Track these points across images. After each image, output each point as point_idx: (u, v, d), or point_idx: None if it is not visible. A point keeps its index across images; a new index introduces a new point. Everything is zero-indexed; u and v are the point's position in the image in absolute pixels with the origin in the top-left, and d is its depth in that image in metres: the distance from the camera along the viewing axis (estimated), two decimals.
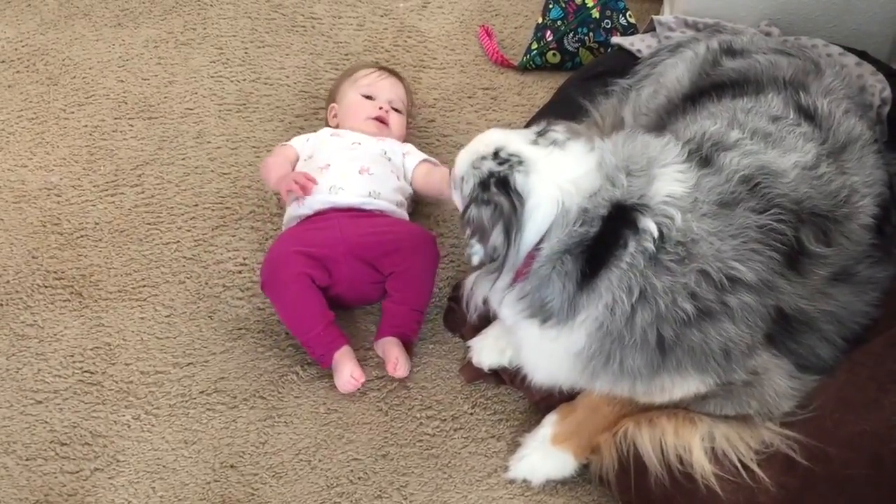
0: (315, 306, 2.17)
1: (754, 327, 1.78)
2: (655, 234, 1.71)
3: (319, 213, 2.31)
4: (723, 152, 1.84)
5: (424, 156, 2.47)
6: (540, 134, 1.82)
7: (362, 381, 2.13)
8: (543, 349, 1.85)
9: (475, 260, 1.80)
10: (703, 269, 1.72)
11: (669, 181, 1.76)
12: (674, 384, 1.82)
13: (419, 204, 2.50)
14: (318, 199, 2.31)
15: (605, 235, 1.73)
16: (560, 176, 1.75)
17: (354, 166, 2.35)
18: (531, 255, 1.76)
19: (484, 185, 1.78)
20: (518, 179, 1.75)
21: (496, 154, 1.80)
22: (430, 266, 2.25)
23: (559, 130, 1.83)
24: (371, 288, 2.26)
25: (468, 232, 1.80)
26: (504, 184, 1.76)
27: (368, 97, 2.53)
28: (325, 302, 2.19)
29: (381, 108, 2.51)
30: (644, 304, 1.72)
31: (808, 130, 1.94)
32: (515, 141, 1.82)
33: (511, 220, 1.74)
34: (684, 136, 1.91)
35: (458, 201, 1.94)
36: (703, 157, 1.84)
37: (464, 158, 1.87)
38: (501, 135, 1.86)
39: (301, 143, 2.47)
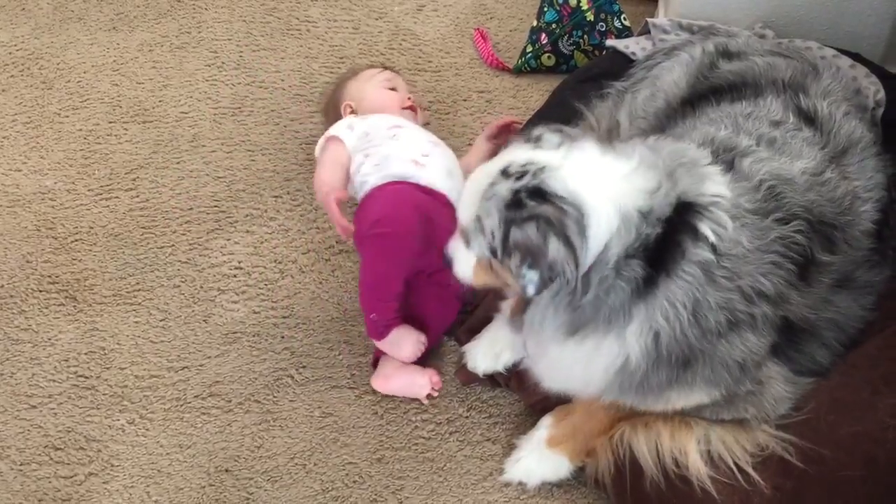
0: (399, 287, 2.07)
1: (768, 337, 1.76)
2: (713, 239, 1.62)
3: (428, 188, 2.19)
4: (741, 158, 1.78)
5: None
6: (536, 141, 1.69)
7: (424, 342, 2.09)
8: (575, 362, 1.74)
9: (531, 290, 1.60)
10: (740, 285, 1.67)
11: (716, 182, 1.69)
12: (679, 398, 1.80)
13: None
14: (398, 173, 2.18)
15: (664, 239, 1.61)
16: (608, 178, 1.60)
17: (425, 136, 2.31)
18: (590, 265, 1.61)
19: (515, 203, 1.59)
20: (554, 184, 1.58)
21: (505, 172, 1.62)
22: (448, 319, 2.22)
23: (552, 131, 1.70)
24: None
25: (516, 262, 1.60)
26: (539, 193, 1.58)
27: (392, 89, 2.51)
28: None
29: (409, 98, 2.49)
30: (695, 319, 1.65)
31: (809, 135, 1.90)
32: (518, 153, 1.65)
33: (565, 225, 1.56)
34: (694, 140, 1.85)
35: (463, 267, 1.78)
36: (725, 161, 1.76)
37: (467, 202, 1.68)
38: (496, 160, 1.68)
39: (347, 135, 2.32)
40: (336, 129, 2.34)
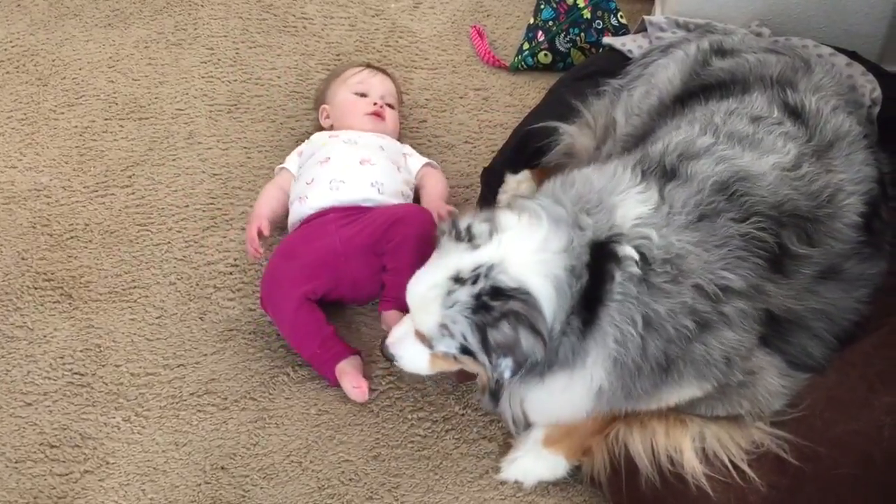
0: (312, 324, 2.15)
1: (750, 331, 1.78)
2: (636, 256, 1.70)
3: (320, 213, 2.30)
4: (690, 161, 1.83)
5: (426, 159, 2.50)
6: (469, 238, 1.74)
7: (365, 386, 2.12)
8: (558, 393, 1.81)
9: (507, 374, 1.73)
10: (696, 284, 1.71)
11: (632, 205, 1.75)
12: (671, 395, 1.82)
13: None
14: (319, 195, 2.31)
15: (593, 279, 1.70)
16: (530, 253, 1.70)
17: (355, 158, 2.36)
18: None
19: (481, 307, 1.69)
20: (505, 280, 1.68)
21: (458, 280, 1.71)
22: (425, 234, 2.15)
23: (478, 221, 1.77)
24: (373, 281, 2.24)
25: (494, 357, 1.71)
26: (498, 292, 1.68)
27: (361, 94, 2.54)
28: (323, 318, 2.17)
29: (375, 104, 2.52)
30: (652, 331, 1.71)
31: (791, 129, 1.93)
32: (460, 257, 1.73)
33: (531, 315, 1.67)
34: (652, 150, 1.89)
35: (415, 362, 1.88)
36: (665, 170, 1.82)
37: (422, 310, 1.77)
38: (438, 269, 1.75)
39: (294, 161, 2.47)
40: (289, 158, 2.49)
